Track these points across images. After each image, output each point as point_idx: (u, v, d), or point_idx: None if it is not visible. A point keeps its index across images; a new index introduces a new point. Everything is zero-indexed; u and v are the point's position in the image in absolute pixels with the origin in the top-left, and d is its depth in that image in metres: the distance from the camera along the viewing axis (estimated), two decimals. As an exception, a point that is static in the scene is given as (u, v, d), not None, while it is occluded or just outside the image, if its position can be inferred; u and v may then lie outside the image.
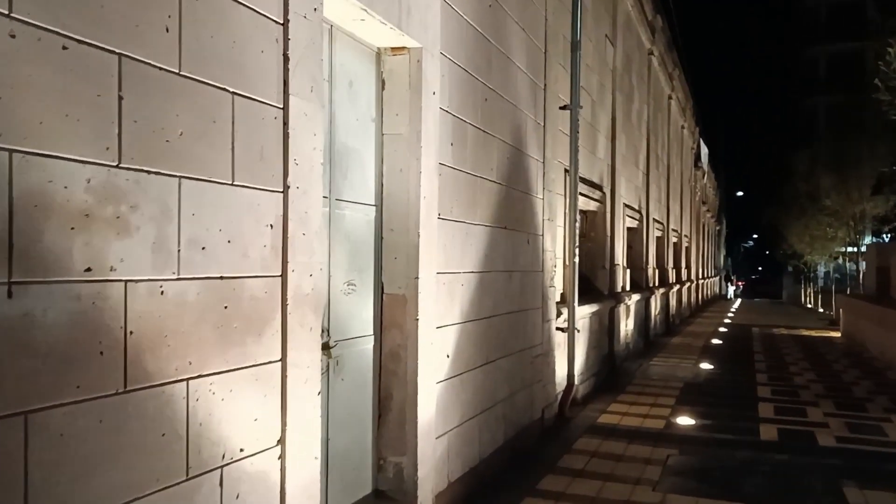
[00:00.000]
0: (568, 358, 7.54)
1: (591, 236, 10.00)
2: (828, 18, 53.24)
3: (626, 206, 12.01)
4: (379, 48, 4.08)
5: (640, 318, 13.49)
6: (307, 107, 2.94)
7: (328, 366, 3.57)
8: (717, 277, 44.79)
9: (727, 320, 23.22)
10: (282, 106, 2.82)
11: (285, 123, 2.83)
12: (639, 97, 13.48)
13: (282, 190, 2.81)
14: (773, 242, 45.81)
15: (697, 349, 14.07)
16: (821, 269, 34.18)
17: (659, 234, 16.82)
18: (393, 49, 4.10)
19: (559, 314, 7.44)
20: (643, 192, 14.16)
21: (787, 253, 33.44)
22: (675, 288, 19.41)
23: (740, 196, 61.18)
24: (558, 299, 7.67)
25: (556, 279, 7.47)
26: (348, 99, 3.82)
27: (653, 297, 14.89)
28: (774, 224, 32.57)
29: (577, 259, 7.53)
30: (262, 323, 2.72)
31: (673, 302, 18.98)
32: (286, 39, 2.83)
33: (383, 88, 4.14)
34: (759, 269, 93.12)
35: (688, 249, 24.18)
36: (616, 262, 10.87)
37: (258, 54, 2.69)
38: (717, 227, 46.41)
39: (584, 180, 8.86)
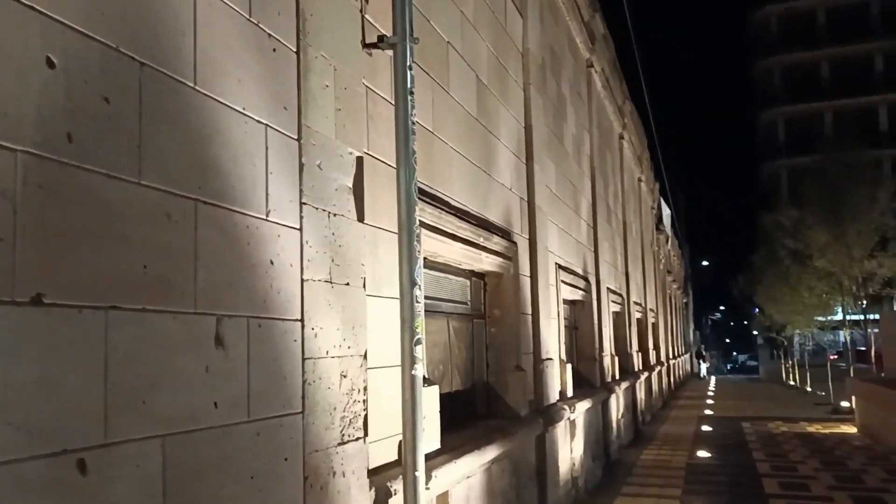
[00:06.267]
0: None
1: (494, 316, 5.87)
2: (781, 80, 51.79)
3: (561, 267, 7.97)
4: None
5: (593, 433, 9.26)
6: None
7: None
8: (688, 355, 40.98)
9: (708, 411, 19.03)
10: None
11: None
12: (575, 116, 9.65)
13: None
14: (745, 313, 42.53)
15: (679, 474, 9.79)
16: (796, 341, 30.65)
17: (617, 308, 12.77)
18: None
19: (387, 496, 3.25)
20: (589, 252, 10.17)
21: (764, 325, 29.94)
22: (643, 377, 15.28)
23: (705, 266, 58.68)
24: (392, 458, 3.49)
25: (378, 418, 3.30)
26: None
27: (613, 397, 10.71)
28: (748, 294, 28.97)
29: (417, 370, 3.34)
30: None
31: (641, 395, 14.80)
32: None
33: None
34: (727, 341, 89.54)
35: (654, 326, 20.17)
36: (546, 356, 6.74)
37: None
38: (685, 300, 42.92)
39: (462, 214, 4.80)
